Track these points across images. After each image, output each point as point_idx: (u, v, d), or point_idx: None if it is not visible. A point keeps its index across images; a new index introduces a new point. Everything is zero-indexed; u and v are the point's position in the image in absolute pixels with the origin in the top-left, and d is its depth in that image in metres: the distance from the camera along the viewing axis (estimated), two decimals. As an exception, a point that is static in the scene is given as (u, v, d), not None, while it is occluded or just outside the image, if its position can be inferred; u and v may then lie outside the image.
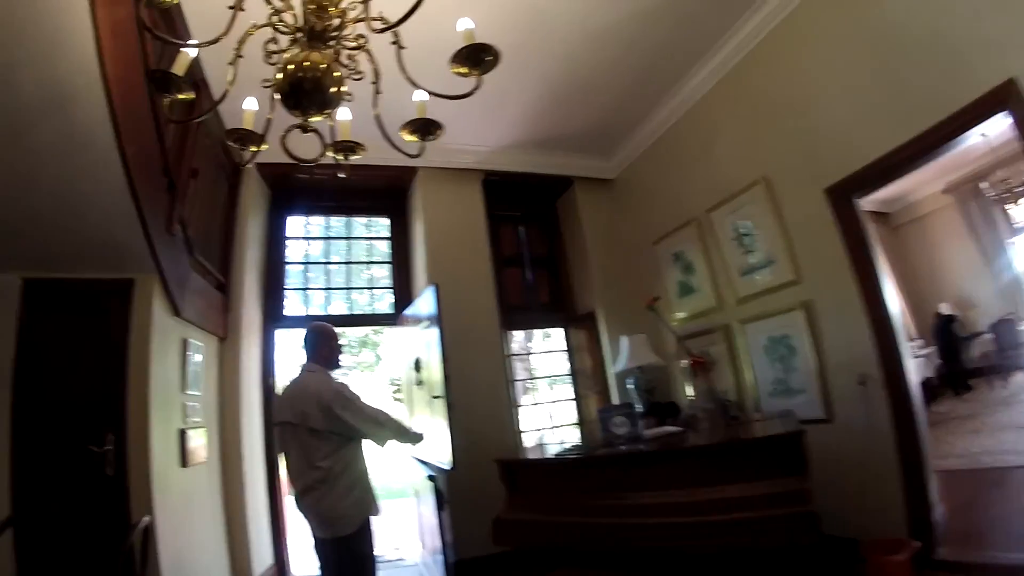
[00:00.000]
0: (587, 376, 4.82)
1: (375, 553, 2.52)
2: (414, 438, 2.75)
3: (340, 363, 2.71)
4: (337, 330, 2.74)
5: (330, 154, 1.98)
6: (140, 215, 2.47)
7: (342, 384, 2.49)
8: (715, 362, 3.54)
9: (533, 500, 2.43)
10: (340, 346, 2.71)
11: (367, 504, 2.42)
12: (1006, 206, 7.32)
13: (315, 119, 1.62)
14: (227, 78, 1.58)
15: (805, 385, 3.14)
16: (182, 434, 2.88)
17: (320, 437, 2.33)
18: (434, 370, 3.38)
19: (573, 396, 4.96)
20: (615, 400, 4.39)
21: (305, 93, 1.46)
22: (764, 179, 3.36)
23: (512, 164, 4.66)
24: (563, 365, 5.09)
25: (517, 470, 2.59)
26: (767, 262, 3.38)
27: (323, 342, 2.63)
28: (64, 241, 2.50)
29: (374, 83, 1.76)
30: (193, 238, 3.21)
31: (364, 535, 2.40)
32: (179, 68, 1.46)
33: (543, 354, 5.22)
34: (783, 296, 3.27)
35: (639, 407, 3.66)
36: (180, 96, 1.47)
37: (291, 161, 3.89)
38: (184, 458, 2.85)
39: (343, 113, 1.94)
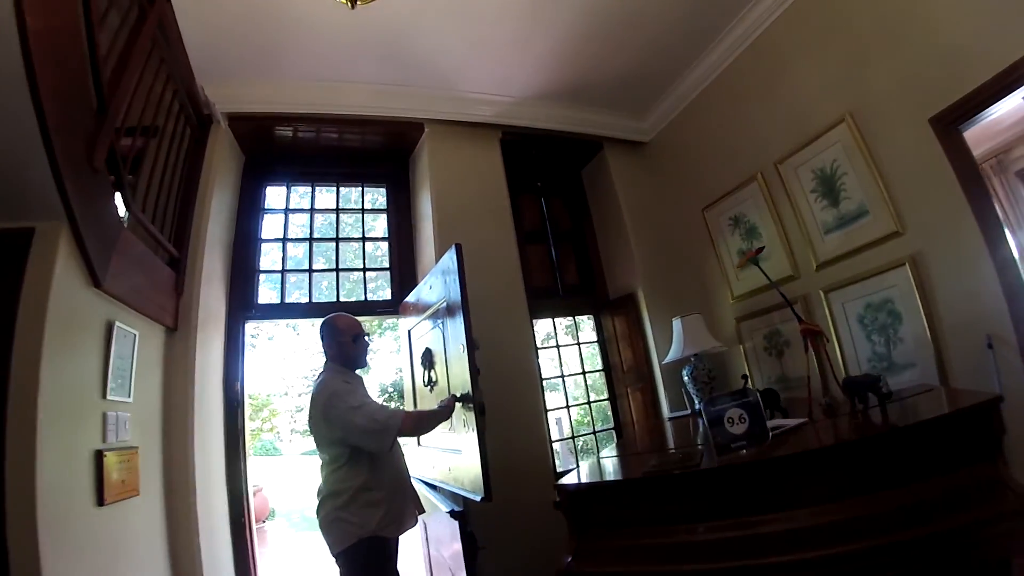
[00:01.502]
0: (626, 370, 4.05)
1: None
2: (444, 414, 2.35)
3: (359, 360, 2.40)
4: (351, 318, 2.42)
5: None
6: (42, 127, 1.64)
7: (342, 385, 2.20)
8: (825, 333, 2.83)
9: (614, 541, 1.66)
10: (356, 340, 2.36)
11: (371, 520, 2.08)
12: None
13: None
14: None
15: (913, 357, 2.60)
16: (99, 458, 1.99)
17: (323, 447, 2.19)
18: (453, 364, 2.56)
19: (607, 395, 4.21)
20: (662, 396, 3.70)
21: None
22: (850, 115, 2.80)
23: (535, 119, 3.93)
24: (593, 358, 4.34)
25: (589, 498, 1.79)
26: (858, 214, 2.83)
27: (329, 337, 2.36)
28: None
29: None
30: (138, 193, 2.38)
31: (358, 556, 2.06)
32: None
33: (568, 346, 4.45)
34: (882, 252, 2.73)
35: (698, 402, 3.16)
36: None
37: (272, 111, 3.12)
38: (100, 492, 1.96)
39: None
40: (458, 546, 2.32)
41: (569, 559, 1.67)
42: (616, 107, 4.11)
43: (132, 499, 2.18)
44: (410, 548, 2.45)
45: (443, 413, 2.33)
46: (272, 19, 2.85)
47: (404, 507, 2.25)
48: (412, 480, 2.46)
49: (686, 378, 3.29)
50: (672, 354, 3.37)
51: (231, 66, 3.09)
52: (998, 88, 2.19)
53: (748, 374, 3.24)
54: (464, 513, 2.38)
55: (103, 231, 2.08)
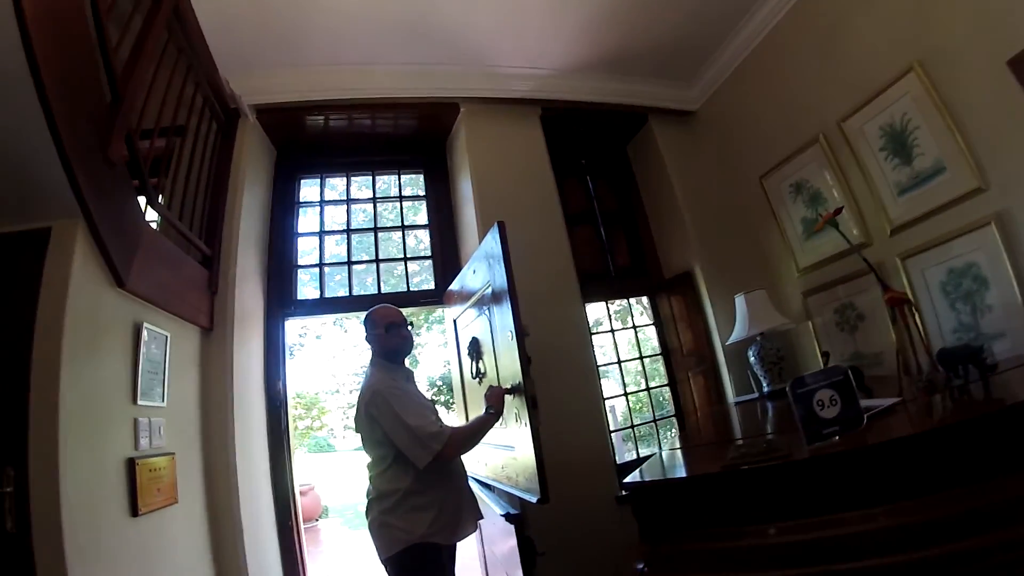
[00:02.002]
0: (686, 353, 3.80)
1: None
2: (494, 419, 2.15)
3: (399, 351, 2.25)
4: (388, 308, 2.30)
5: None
6: (48, 116, 1.53)
7: (387, 382, 2.06)
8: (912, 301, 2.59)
9: (691, 544, 1.44)
10: (389, 329, 2.21)
11: (419, 525, 1.93)
12: None
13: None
14: None
15: (1003, 326, 2.33)
16: (131, 466, 1.90)
17: (369, 446, 2.08)
18: (502, 353, 2.36)
19: (666, 380, 3.96)
20: (726, 380, 3.44)
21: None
22: (919, 63, 2.52)
23: (575, 92, 3.68)
24: (648, 342, 4.11)
25: (661, 497, 1.57)
26: (935, 171, 2.55)
27: (367, 330, 2.26)
28: None
29: None
30: (165, 191, 2.30)
31: (407, 564, 1.92)
32: None
33: (623, 330, 4.24)
34: (964, 211, 2.45)
35: (766, 385, 3.00)
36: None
37: (301, 100, 2.97)
38: (134, 502, 1.87)
39: None
40: (512, 549, 2.15)
41: (641, 566, 1.45)
42: (660, 76, 3.83)
43: (170, 507, 2.10)
44: (466, 545, 2.29)
45: (492, 419, 2.14)
46: (291, 4, 2.73)
47: (459, 513, 2.07)
48: (469, 481, 2.28)
49: (752, 359, 3.07)
50: (736, 334, 3.14)
51: (254, 57, 2.97)
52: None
53: (828, 351, 2.94)
54: (521, 517, 2.22)
55: (124, 228, 1.98)
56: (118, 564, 1.74)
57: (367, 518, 2.05)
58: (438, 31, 3.09)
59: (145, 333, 2.11)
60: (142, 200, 2.14)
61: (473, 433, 2.10)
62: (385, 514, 1.97)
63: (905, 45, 2.59)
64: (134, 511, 1.87)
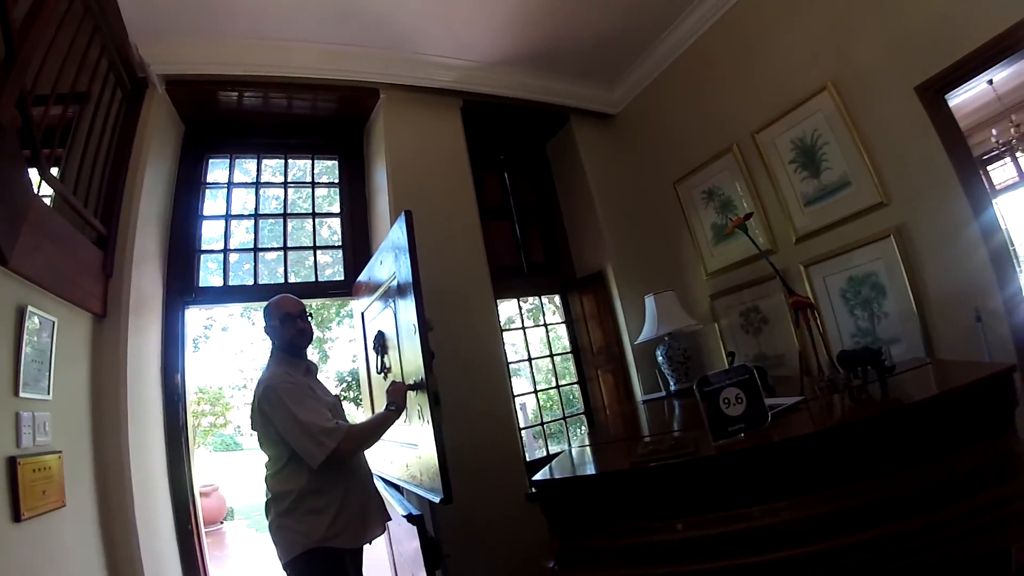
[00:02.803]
0: (596, 351, 3.95)
1: None
2: (394, 416, 2.11)
3: (294, 344, 2.15)
4: (286, 298, 2.21)
5: None
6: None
7: (282, 376, 1.99)
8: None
9: (600, 541, 1.47)
10: (284, 321, 2.13)
11: (317, 528, 1.87)
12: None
13: None
14: None
15: (898, 332, 2.58)
16: (11, 466, 1.69)
17: (263, 444, 1.99)
18: (406, 348, 2.32)
19: (576, 378, 4.08)
20: (634, 378, 3.59)
21: None
22: (833, 83, 2.74)
23: (498, 86, 3.71)
24: (559, 340, 4.23)
25: (572, 494, 1.60)
26: (840, 185, 2.78)
27: (266, 321, 2.18)
28: None
29: None
30: (61, 163, 2.05)
31: (304, 570, 1.86)
32: None
33: (534, 328, 4.39)
34: (866, 223, 2.68)
35: (673, 383, 3.13)
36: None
37: (216, 73, 2.78)
38: (16, 506, 1.67)
39: None
40: (417, 550, 2.11)
41: (552, 564, 1.48)
42: (584, 76, 3.94)
43: (58, 511, 1.88)
44: (375, 545, 2.24)
45: (393, 416, 2.10)
46: None
47: (363, 515, 2.02)
48: (375, 480, 2.25)
49: (660, 358, 3.21)
50: (645, 333, 3.27)
51: (168, 23, 2.73)
52: (987, 56, 2.17)
53: (734, 351, 3.17)
54: (423, 517, 2.18)
55: (10, 200, 1.75)
56: (-1, 575, 1.55)
57: (267, 520, 1.98)
58: (364, 13, 3.00)
59: (30, 318, 1.88)
60: (33, 173, 1.90)
61: (371, 430, 2.05)
62: (282, 516, 1.91)
63: (821, 65, 2.78)
64: (16, 516, 1.66)
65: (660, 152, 3.85)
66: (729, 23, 3.28)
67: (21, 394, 1.81)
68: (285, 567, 1.90)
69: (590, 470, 1.91)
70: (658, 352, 3.22)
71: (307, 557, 1.85)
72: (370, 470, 2.23)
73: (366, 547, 2.11)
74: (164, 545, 2.55)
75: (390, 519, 2.22)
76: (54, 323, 2.05)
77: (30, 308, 1.90)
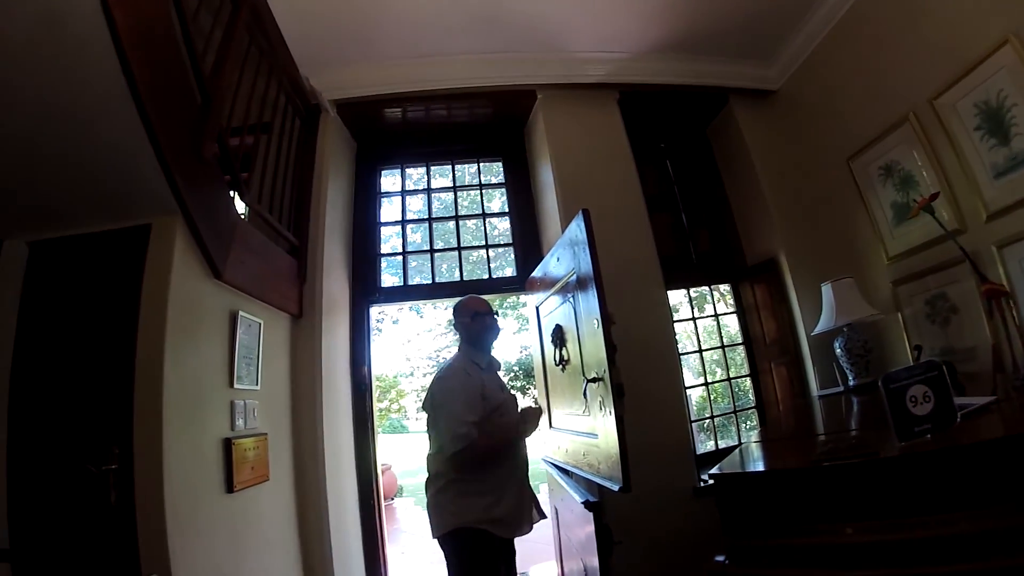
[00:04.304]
0: (769, 343, 3.60)
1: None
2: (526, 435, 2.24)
3: (482, 339, 2.31)
4: (475, 298, 2.42)
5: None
6: (145, 121, 1.64)
7: (455, 373, 2.16)
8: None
9: (772, 540, 1.37)
10: (474, 318, 2.30)
11: (469, 511, 1.99)
12: None
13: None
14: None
15: None
16: (227, 446, 2.05)
17: (429, 425, 2.16)
18: (586, 341, 2.32)
19: (747, 371, 3.77)
20: (810, 372, 3.24)
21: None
22: (1014, 35, 2.25)
23: (652, 74, 3.55)
24: (727, 330, 3.99)
25: (746, 490, 1.51)
26: None
27: (456, 318, 2.37)
28: (67, 183, 1.79)
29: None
30: (252, 186, 2.42)
31: (455, 545, 2.00)
32: None
33: (704, 318, 4.10)
34: None
35: (852, 378, 2.86)
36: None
37: (379, 93, 3.03)
38: (230, 479, 2.02)
39: None
40: (589, 535, 2.13)
41: (723, 559, 1.42)
42: (738, 54, 3.60)
43: (262, 484, 2.25)
44: (542, 527, 2.38)
45: (520, 439, 2.20)
46: (365, 1, 2.80)
47: (514, 509, 2.09)
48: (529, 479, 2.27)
49: (839, 351, 2.88)
50: (822, 324, 2.95)
51: (332, 54, 3.08)
52: None
53: (920, 345, 2.67)
54: (600, 504, 2.18)
55: (219, 223, 2.11)
56: (214, 537, 1.89)
57: (426, 496, 2.14)
58: (511, 19, 3.07)
59: (240, 321, 2.25)
60: (234, 196, 2.27)
61: (495, 450, 2.09)
62: (438, 495, 2.04)
63: (998, 15, 2.32)
64: (229, 488, 2.01)
65: (828, 127, 3.37)
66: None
67: (235, 385, 2.18)
68: (439, 540, 2.04)
69: (763, 467, 1.83)
70: (836, 344, 2.91)
71: (458, 534, 1.97)
72: (527, 465, 2.28)
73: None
74: (349, 515, 2.91)
75: (544, 517, 2.29)
76: (260, 324, 2.43)
77: (241, 313, 2.27)
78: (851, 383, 2.85)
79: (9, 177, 1.73)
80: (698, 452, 3.33)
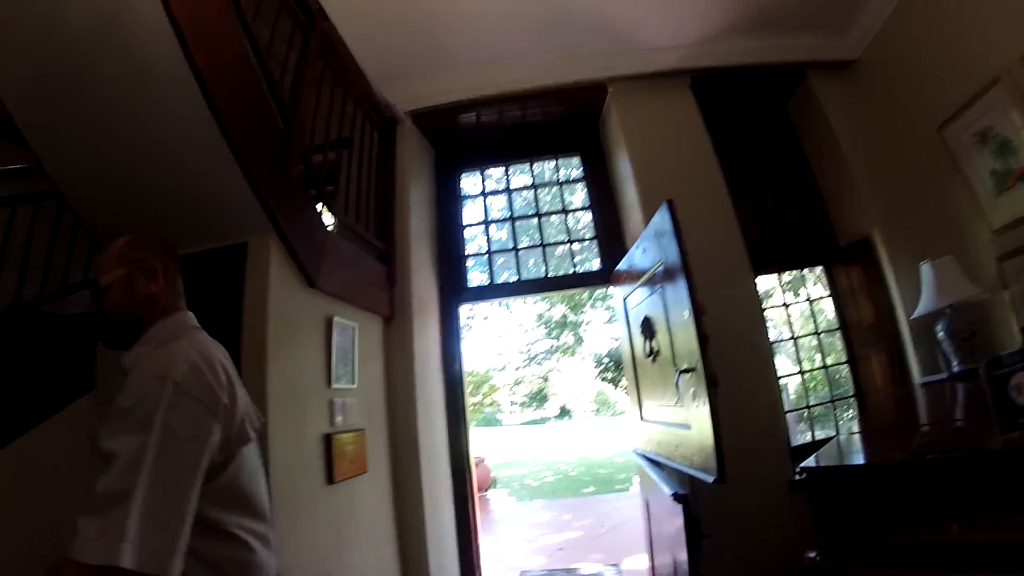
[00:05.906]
0: (866, 328, 3.34)
1: None
2: None
3: None
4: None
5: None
6: (235, 152, 1.83)
7: None
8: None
9: (871, 538, 1.34)
10: None
11: None
12: None
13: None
14: None
15: None
16: (327, 441, 2.23)
17: None
18: (677, 332, 2.30)
19: (844, 358, 3.51)
20: (911, 358, 3.01)
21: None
22: None
23: (723, 56, 3.46)
24: (824, 314, 3.74)
25: (839, 484, 1.49)
26: None
27: None
28: (164, 209, 2.02)
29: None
30: (338, 199, 2.61)
31: None
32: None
33: (795, 303, 3.92)
34: None
35: (957, 363, 2.63)
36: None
37: (451, 101, 3.14)
38: (330, 472, 2.20)
39: None
40: (678, 529, 2.12)
41: (814, 555, 1.42)
42: (813, 25, 3.41)
43: (360, 476, 2.43)
44: (635, 519, 2.31)
45: None
46: (428, 13, 2.95)
47: None
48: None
49: (941, 334, 2.69)
50: (922, 306, 2.76)
51: (403, 67, 3.25)
52: None
53: None
54: (688, 497, 2.16)
55: (310, 236, 2.29)
56: (316, 526, 2.07)
57: None
58: (575, 14, 3.10)
59: (335, 326, 2.43)
60: (321, 209, 2.45)
61: None
62: None
63: None
64: (330, 479, 2.19)
65: (915, 95, 3.06)
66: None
67: (333, 385, 2.37)
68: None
69: (859, 460, 1.81)
70: (938, 327, 2.71)
71: None
72: None
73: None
74: (443, 506, 3.05)
75: None
76: (354, 328, 2.61)
77: (335, 318, 2.45)
78: (955, 369, 2.61)
79: (121, 204, 1.99)
80: (795, 444, 3.18)
